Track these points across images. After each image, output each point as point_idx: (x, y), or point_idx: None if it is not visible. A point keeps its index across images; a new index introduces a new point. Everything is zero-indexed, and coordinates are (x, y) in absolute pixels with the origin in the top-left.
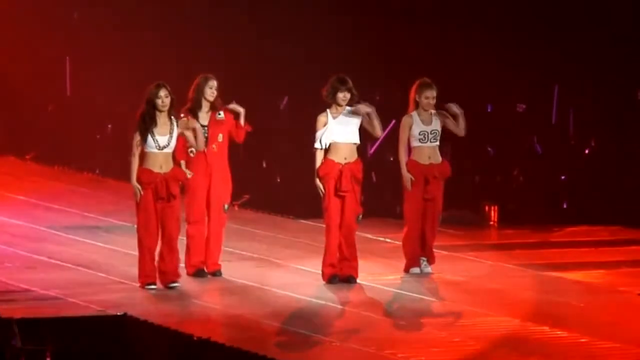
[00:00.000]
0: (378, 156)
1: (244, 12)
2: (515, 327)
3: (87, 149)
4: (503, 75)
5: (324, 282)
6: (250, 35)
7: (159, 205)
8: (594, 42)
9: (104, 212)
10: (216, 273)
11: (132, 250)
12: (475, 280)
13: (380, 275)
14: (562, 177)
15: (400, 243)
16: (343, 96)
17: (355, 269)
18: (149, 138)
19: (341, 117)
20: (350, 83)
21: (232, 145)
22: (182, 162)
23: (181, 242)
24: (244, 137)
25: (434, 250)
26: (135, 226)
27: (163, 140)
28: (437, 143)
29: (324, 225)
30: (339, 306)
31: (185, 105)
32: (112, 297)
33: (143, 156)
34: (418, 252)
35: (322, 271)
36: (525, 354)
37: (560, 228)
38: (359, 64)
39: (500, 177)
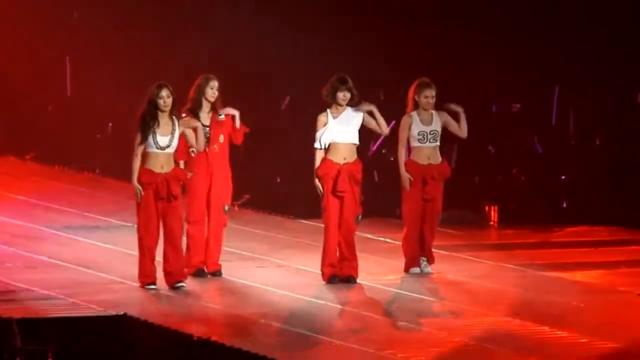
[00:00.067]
0: (378, 156)
1: (244, 13)
2: (515, 327)
3: (87, 148)
4: (503, 75)
5: (324, 282)
6: (250, 36)
7: (160, 205)
8: (594, 42)
9: (104, 212)
10: (216, 273)
11: (132, 250)
12: (475, 280)
13: (380, 275)
14: (562, 177)
15: (400, 243)
16: (343, 96)
17: (355, 269)
18: (151, 138)
19: (342, 117)
20: (351, 83)
21: (232, 145)
22: (181, 162)
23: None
24: (242, 139)
25: (434, 250)
26: (136, 226)
27: (164, 140)
28: (437, 143)
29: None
30: (339, 306)
31: (186, 105)
32: (112, 297)
33: (144, 156)
34: (417, 252)
35: (322, 271)
36: (525, 354)
37: (560, 228)
38: (359, 64)
39: (500, 177)
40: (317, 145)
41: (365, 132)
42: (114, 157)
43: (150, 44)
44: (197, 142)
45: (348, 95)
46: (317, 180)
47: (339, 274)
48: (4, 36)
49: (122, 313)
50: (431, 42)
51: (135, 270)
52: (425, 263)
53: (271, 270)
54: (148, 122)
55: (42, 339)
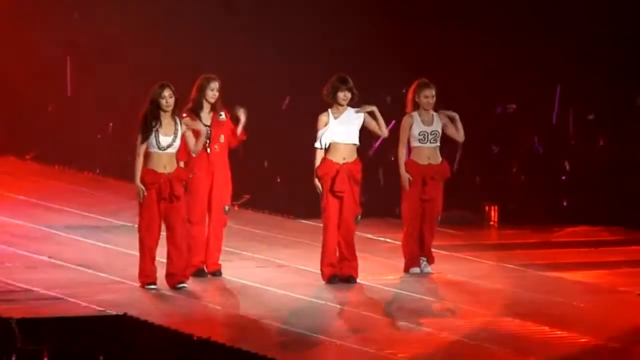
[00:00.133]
0: (379, 155)
1: (244, 13)
2: (515, 327)
3: (87, 148)
4: (503, 75)
5: (323, 282)
6: (250, 36)
7: (162, 205)
8: (594, 42)
9: (104, 212)
10: (216, 273)
11: (132, 250)
12: (475, 280)
13: (380, 275)
14: (563, 177)
15: (400, 243)
16: (343, 95)
17: (355, 269)
18: (153, 138)
19: (343, 117)
20: (351, 82)
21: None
22: (181, 162)
23: None
24: (237, 145)
25: (434, 250)
26: (137, 226)
27: (167, 140)
28: (437, 144)
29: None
30: (339, 306)
31: (187, 105)
32: (112, 297)
33: (147, 156)
34: (417, 252)
35: (322, 271)
36: (525, 354)
37: (560, 228)
38: (359, 64)
39: (500, 177)
40: (317, 145)
41: (366, 133)
42: (114, 157)
43: (150, 43)
44: (196, 145)
45: (349, 95)
46: (317, 180)
47: (339, 274)
48: (4, 36)
49: (122, 313)
50: (431, 42)
51: (135, 270)
52: (425, 263)
53: (271, 270)
54: (150, 122)
55: (42, 339)
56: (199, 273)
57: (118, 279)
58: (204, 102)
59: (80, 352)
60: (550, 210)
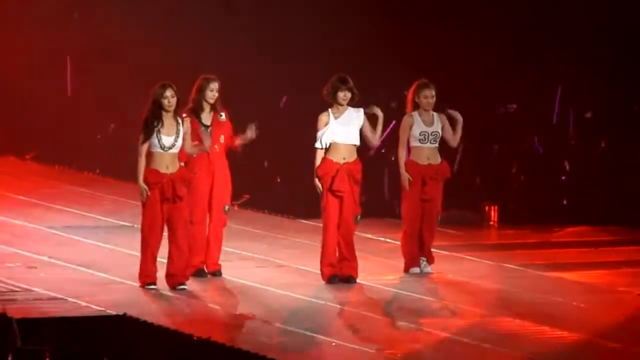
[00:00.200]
0: (379, 155)
1: (244, 13)
2: (515, 327)
3: (87, 148)
4: (503, 75)
5: (323, 282)
6: (250, 36)
7: (165, 206)
8: (594, 42)
9: (104, 212)
10: (216, 273)
11: (132, 250)
12: (475, 280)
13: (380, 275)
14: (563, 177)
15: (400, 243)
16: (344, 95)
17: (355, 269)
18: (155, 139)
19: (343, 117)
20: (351, 82)
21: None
22: (182, 163)
23: None
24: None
25: (434, 250)
26: (137, 226)
27: (169, 140)
28: (437, 145)
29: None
30: (339, 306)
31: (187, 105)
32: (112, 297)
33: (150, 156)
34: (417, 252)
35: (321, 271)
36: (525, 354)
37: (560, 228)
38: (359, 64)
39: (500, 177)
40: (318, 145)
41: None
42: (114, 157)
43: (150, 43)
44: (192, 149)
45: (349, 95)
46: (317, 180)
47: (339, 274)
48: (4, 36)
49: (122, 313)
50: (431, 42)
51: (135, 270)
52: (425, 263)
53: (271, 270)
54: (152, 122)
55: (42, 339)
56: (199, 273)
57: (118, 279)
58: (204, 102)
59: (81, 352)
60: (550, 210)
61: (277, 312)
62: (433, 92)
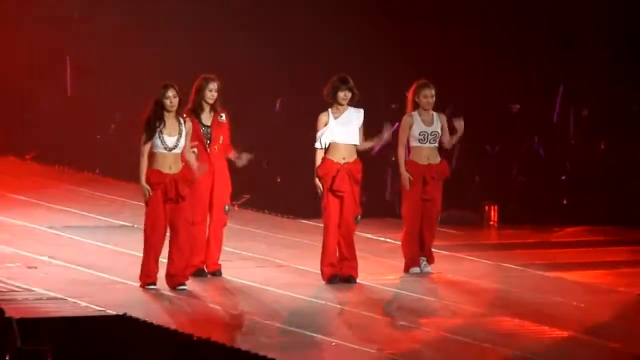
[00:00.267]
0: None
1: (244, 13)
2: (515, 327)
3: (87, 148)
4: (503, 75)
5: (324, 282)
6: (250, 36)
7: (168, 206)
8: (595, 42)
9: (104, 212)
10: (216, 273)
11: (132, 250)
12: (475, 280)
13: (380, 275)
14: (563, 177)
15: (400, 243)
16: (344, 95)
17: (355, 269)
18: (158, 139)
19: (343, 117)
20: (351, 82)
21: (233, 145)
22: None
23: None
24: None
25: (434, 250)
26: (137, 226)
27: (172, 140)
28: (437, 144)
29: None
30: (339, 306)
31: (187, 106)
32: (112, 297)
33: (152, 157)
34: (417, 252)
35: (322, 271)
36: (525, 354)
37: (560, 228)
38: (359, 64)
39: (500, 177)
40: (317, 145)
41: (367, 134)
42: (114, 157)
43: (150, 44)
44: (188, 153)
45: (349, 94)
46: (317, 180)
47: (339, 273)
48: (4, 36)
49: (122, 313)
50: (431, 42)
51: (135, 270)
52: (425, 263)
53: (271, 270)
54: (154, 123)
55: (42, 339)
56: (199, 273)
57: (118, 279)
58: (203, 102)
59: (81, 352)
60: (550, 210)
61: (277, 312)
62: (433, 92)
